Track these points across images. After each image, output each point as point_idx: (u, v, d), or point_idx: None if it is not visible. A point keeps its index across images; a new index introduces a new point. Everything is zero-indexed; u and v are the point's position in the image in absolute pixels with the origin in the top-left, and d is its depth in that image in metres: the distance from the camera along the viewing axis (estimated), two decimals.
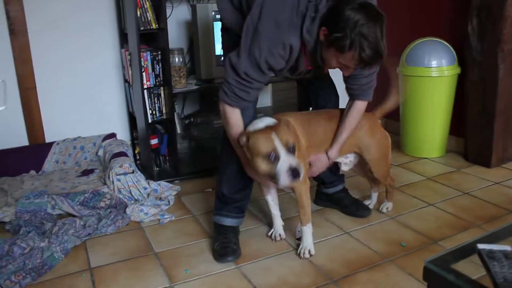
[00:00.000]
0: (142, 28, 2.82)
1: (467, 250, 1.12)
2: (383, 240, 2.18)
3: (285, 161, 1.76)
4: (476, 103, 3.05)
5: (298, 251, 2.08)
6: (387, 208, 2.47)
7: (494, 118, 2.96)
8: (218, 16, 2.92)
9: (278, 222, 2.26)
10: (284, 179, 1.76)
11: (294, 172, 1.75)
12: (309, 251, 2.06)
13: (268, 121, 1.90)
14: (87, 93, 3.24)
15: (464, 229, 2.27)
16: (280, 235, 2.24)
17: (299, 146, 1.98)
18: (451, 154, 3.33)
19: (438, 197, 2.63)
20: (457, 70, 3.12)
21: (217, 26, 2.92)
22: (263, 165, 1.79)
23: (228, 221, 2.16)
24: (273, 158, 1.76)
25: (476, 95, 3.04)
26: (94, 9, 3.16)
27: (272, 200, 2.22)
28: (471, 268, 1.05)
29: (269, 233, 2.27)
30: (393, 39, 3.63)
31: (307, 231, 2.07)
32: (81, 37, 3.15)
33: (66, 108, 3.19)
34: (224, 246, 2.08)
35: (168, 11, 3.14)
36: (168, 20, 2.87)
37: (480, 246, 1.06)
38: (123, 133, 3.39)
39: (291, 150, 1.79)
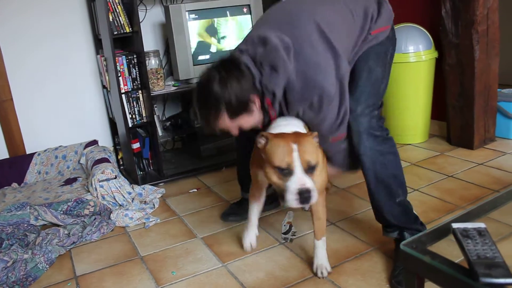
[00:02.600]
0: (115, 33, 2.79)
1: (442, 231, 1.12)
2: (369, 229, 2.18)
3: (298, 180, 1.51)
4: (455, 86, 3.06)
5: (314, 270, 1.87)
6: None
7: (473, 100, 2.97)
8: (191, 16, 2.90)
9: (254, 231, 2.06)
10: (291, 201, 1.51)
11: (304, 196, 1.49)
12: (326, 269, 1.86)
13: (296, 125, 1.72)
14: (66, 101, 3.21)
15: (449, 211, 2.27)
16: (251, 244, 2.05)
17: (323, 161, 1.83)
18: (434, 138, 3.34)
19: (422, 182, 2.64)
20: (434, 54, 3.12)
21: (191, 25, 2.90)
22: (273, 176, 1.57)
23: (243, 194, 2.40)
24: (286, 173, 1.53)
25: (454, 78, 3.05)
26: (67, 16, 3.13)
27: (257, 208, 2.02)
28: (456, 250, 1.04)
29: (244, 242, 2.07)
30: None
31: (322, 246, 1.88)
32: (55, 45, 3.12)
33: (45, 117, 3.16)
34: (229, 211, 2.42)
35: (141, 14, 3.12)
36: (142, 23, 2.85)
37: (455, 225, 1.05)
38: (105, 139, 3.36)
39: (310, 170, 1.54)
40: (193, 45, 2.92)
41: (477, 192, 2.45)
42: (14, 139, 3.06)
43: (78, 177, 2.96)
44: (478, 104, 3.00)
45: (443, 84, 3.13)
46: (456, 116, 3.11)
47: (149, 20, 3.29)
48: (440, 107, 3.27)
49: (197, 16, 2.90)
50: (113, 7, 2.78)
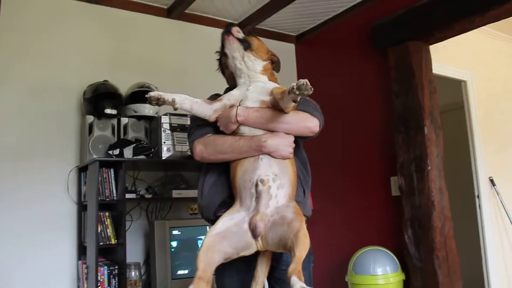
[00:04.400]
0: (101, 243, 2.92)
1: None
2: None
3: None
4: None
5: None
6: None
7: None
8: (174, 232, 3.09)
9: None
10: None
11: None
12: None
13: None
14: None
15: None
16: None
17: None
18: None
19: None
20: (402, 277, 3.29)
21: (173, 243, 3.08)
22: None
23: None
24: None
25: None
26: (56, 223, 3.24)
27: None
28: None
29: None
30: (340, 250, 3.86)
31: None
32: (39, 254, 3.16)
33: None
34: None
35: (127, 224, 3.30)
36: (126, 232, 3.00)
37: None
38: None
39: None
40: (174, 260, 3.05)
41: None
42: None
43: None
44: None
45: None
46: None
47: (132, 229, 3.45)
48: None
49: (180, 233, 3.10)
50: (102, 219, 2.98)
